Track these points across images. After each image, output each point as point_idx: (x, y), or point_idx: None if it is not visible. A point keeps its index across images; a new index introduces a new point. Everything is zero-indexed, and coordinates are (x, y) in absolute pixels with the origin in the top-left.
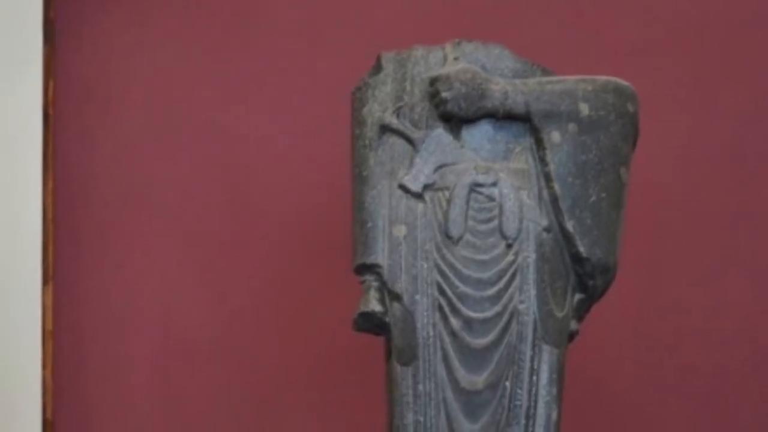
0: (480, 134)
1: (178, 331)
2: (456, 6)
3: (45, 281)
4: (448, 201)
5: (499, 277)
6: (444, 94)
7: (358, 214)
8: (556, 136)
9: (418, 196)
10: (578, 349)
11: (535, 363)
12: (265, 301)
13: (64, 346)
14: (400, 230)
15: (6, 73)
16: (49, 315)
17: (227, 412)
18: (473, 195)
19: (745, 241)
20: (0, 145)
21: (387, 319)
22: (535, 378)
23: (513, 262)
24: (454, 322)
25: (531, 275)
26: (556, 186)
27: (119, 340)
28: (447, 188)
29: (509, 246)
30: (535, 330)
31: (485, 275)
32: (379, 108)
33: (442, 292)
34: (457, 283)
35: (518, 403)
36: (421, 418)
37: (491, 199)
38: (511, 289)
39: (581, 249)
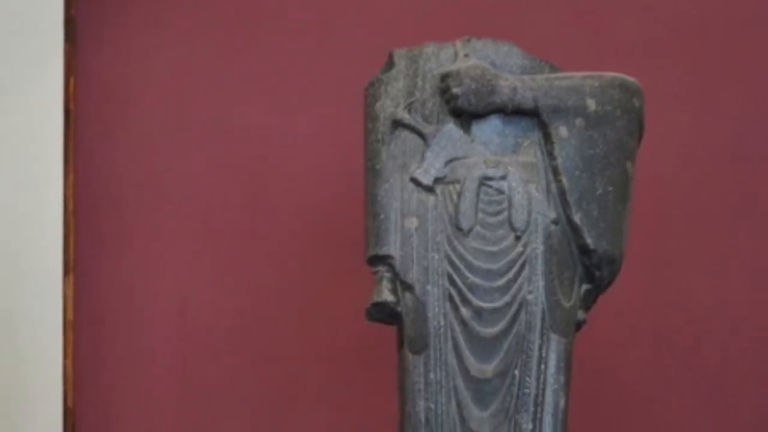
0: (489, 129)
1: (195, 321)
2: (466, 4)
3: (66, 273)
4: (459, 194)
5: (509, 268)
6: (454, 90)
7: (370, 207)
8: (563, 130)
9: (430, 189)
10: (585, 338)
11: (544, 352)
12: (279, 292)
13: (84, 336)
14: (412, 222)
15: (28, 72)
16: (69, 306)
17: (243, 400)
18: (483, 188)
19: (747, 234)
20: (23, 140)
21: (399, 309)
22: (543, 366)
23: (522, 253)
24: (465, 311)
25: (539, 266)
26: (564, 179)
27: (138, 330)
28: (457, 181)
29: (518, 238)
30: (543, 319)
31: (495, 266)
32: (391, 103)
33: (452, 282)
34: (467, 273)
35: (527, 390)
36: (432, 406)
37: (500, 192)
38: (520, 280)
39: (588, 241)
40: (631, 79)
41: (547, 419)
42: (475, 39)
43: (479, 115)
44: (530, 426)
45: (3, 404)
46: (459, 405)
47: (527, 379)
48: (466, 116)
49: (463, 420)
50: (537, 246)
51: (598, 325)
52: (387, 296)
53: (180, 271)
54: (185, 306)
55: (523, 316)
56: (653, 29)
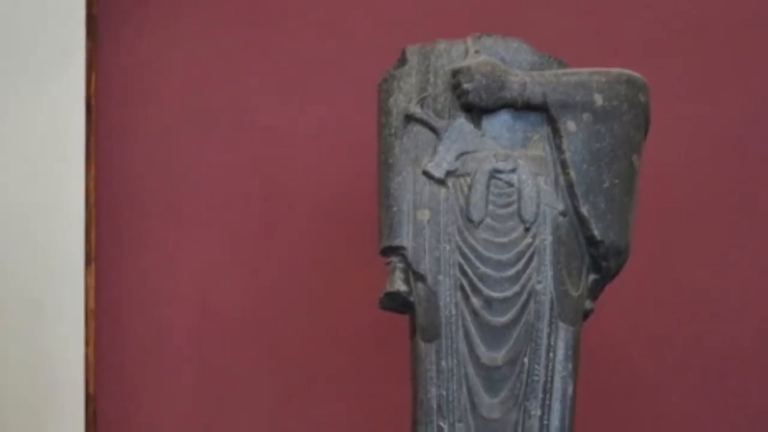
0: (499, 123)
1: (213, 309)
2: (477, 3)
3: (87, 262)
4: (470, 186)
5: (518, 259)
6: (466, 86)
7: (384, 199)
8: (571, 125)
9: (441, 182)
10: (592, 327)
11: (552, 340)
12: (295, 282)
13: (105, 324)
14: (424, 214)
15: (51, 68)
16: (91, 294)
17: (259, 386)
18: (493, 181)
19: (750, 226)
20: (46, 134)
21: (411, 299)
22: (551, 354)
23: (531, 244)
24: (475, 301)
25: (548, 257)
26: (572, 172)
27: (158, 318)
28: (468, 174)
29: (527, 229)
30: (551, 309)
31: (504, 257)
32: (404, 99)
33: (463, 272)
34: (478, 264)
35: (536, 378)
36: (444, 393)
37: (510, 184)
38: (529, 270)
39: (595, 232)
40: (637, 74)
41: (556, 405)
42: (485, 36)
43: (490, 110)
44: (539, 412)
45: (27, 390)
46: (470, 392)
47: (536, 366)
48: (476, 111)
49: (473, 406)
50: (546, 237)
51: (604, 314)
52: (400, 286)
53: (197, 261)
54: (203, 295)
55: (532, 305)
56: (658, 27)
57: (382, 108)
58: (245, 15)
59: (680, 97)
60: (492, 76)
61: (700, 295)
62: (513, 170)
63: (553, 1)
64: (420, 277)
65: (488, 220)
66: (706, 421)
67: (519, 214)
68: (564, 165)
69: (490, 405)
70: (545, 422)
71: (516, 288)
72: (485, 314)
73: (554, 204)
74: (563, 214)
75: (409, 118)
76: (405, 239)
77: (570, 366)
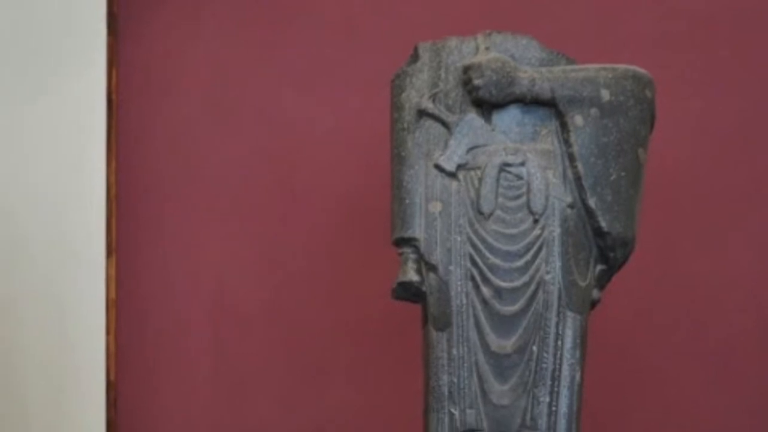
0: (509, 118)
1: (230, 298)
2: (487, 0)
3: (109, 254)
4: (480, 179)
5: (527, 250)
6: (476, 81)
7: (397, 192)
8: (579, 119)
9: (452, 175)
10: (599, 316)
11: (560, 329)
12: (311, 272)
13: (126, 314)
14: (436, 206)
15: (73, 63)
16: (112, 285)
17: (275, 373)
18: (503, 174)
19: (753, 215)
20: (68, 128)
21: (423, 288)
22: (560, 342)
23: (539, 235)
24: (486, 291)
25: (556, 248)
26: (580, 166)
27: (177, 307)
28: (479, 168)
29: (536, 221)
30: (560, 298)
31: (514, 248)
32: (416, 94)
33: (474, 263)
34: (488, 255)
35: (544, 365)
36: (455, 380)
37: (519, 177)
38: (537, 261)
39: (602, 224)
40: (643, 70)
41: (564, 392)
42: (495, 33)
43: (499, 105)
44: (547, 398)
45: (51, 377)
46: (480, 379)
47: (545, 354)
48: (487, 106)
49: (484, 393)
50: (554, 229)
51: (611, 304)
52: (412, 276)
53: (215, 252)
54: (220, 285)
55: (540, 295)
56: (664, 24)
57: (395, 103)
58: (262, 12)
59: (685, 93)
60: (502, 72)
61: (704, 284)
62: (522, 163)
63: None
64: (432, 268)
65: (498, 212)
66: (711, 406)
67: (528, 206)
68: (572, 158)
69: (500, 392)
70: (553, 408)
71: (525, 278)
72: (495, 303)
73: (562, 196)
74: (571, 206)
75: (421, 113)
76: (417, 230)
77: (577, 354)
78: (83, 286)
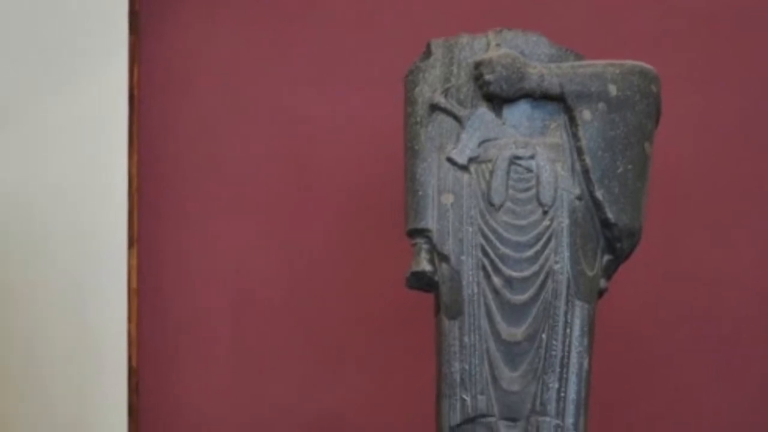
0: (519, 112)
1: (248, 287)
2: None
3: (130, 244)
4: (491, 172)
5: (537, 240)
6: (487, 77)
7: (410, 184)
8: (587, 114)
9: (464, 167)
10: (607, 305)
11: (569, 317)
12: (327, 262)
13: (147, 302)
14: (448, 198)
15: (97, 60)
16: (134, 274)
17: (292, 360)
18: (513, 167)
19: (756, 204)
20: (92, 124)
21: (436, 278)
22: (568, 330)
23: (549, 227)
24: (496, 280)
25: (565, 239)
26: (587, 159)
27: (196, 296)
28: (490, 161)
29: (545, 212)
30: (568, 287)
31: (524, 238)
32: (429, 89)
33: (485, 253)
34: (498, 245)
35: (553, 353)
36: (467, 367)
37: (529, 170)
38: (547, 251)
39: (610, 215)
40: (649, 66)
41: (572, 379)
42: (506, 30)
43: (510, 100)
44: (556, 385)
45: (74, 364)
46: (491, 366)
47: (554, 342)
48: (497, 101)
49: (495, 379)
50: (563, 220)
51: (618, 293)
52: (425, 266)
53: (234, 242)
54: (238, 274)
55: (550, 284)
56: (670, 21)
57: (409, 98)
58: (279, 10)
59: (690, 88)
60: (512, 68)
61: (709, 273)
62: (532, 157)
63: None
64: (444, 258)
65: (508, 204)
66: (715, 393)
67: (537, 198)
68: (580, 152)
69: (510, 378)
70: (562, 394)
71: (535, 268)
72: (506, 293)
73: (571, 188)
74: (579, 198)
75: (434, 108)
76: (430, 222)
77: (585, 341)
78: (106, 275)
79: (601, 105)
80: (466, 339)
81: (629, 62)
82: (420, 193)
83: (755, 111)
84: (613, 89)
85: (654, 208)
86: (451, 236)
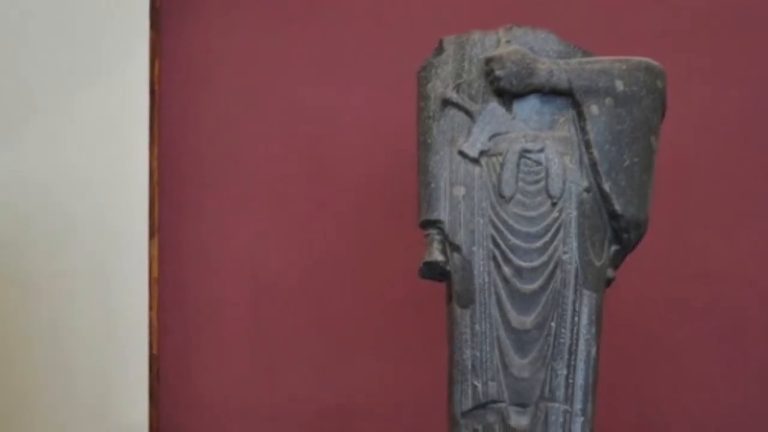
0: (529, 107)
1: (265, 276)
2: None
3: (151, 235)
4: (501, 165)
5: (546, 231)
6: (498, 73)
7: (423, 177)
8: (594, 108)
9: (475, 160)
10: (614, 294)
11: (577, 305)
12: (342, 253)
13: (167, 291)
14: (460, 190)
15: (118, 56)
16: (155, 264)
17: (308, 347)
18: (523, 160)
19: (759, 194)
20: (113, 117)
21: (448, 268)
22: (576, 319)
23: (557, 218)
24: (507, 270)
25: (573, 229)
26: (595, 152)
27: (215, 285)
28: (500, 154)
29: (554, 204)
30: (576, 277)
31: (533, 229)
32: (441, 85)
33: (496, 244)
34: (509, 236)
35: (562, 340)
36: (478, 354)
37: (538, 163)
38: (555, 242)
39: (617, 207)
40: (655, 62)
41: (580, 365)
42: (516, 27)
43: (519, 95)
44: (565, 372)
45: (97, 351)
46: (501, 353)
47: (562, 330)
48: (507, 96)
49: (505, 366)
50: (571, 211)
51: (625, 282)
52: (437, 256)
53: (251, 233)
54: (256, 264)
55: (558, 274)
56: (675, 18)
57: (421, 93)
58: (296, 7)
59: (695, 83)
60: (522, 64)
61: (713, 263)
62: (541, 150)
63: None
64: (456, 248)
65: (518, 196)
66: (720, 379)
67: (546, 190)
68: (588, 145)
69: (520, 365)
70: (570, 381)
71: (544, 258)
72: (516, 282)
73: (579, 181)
74: (587, 190)
75: (446, 103)
76: (442, 213)
77: (593, 329)
78: (127, 265)
79: (608, 100)
80: (477, 327)
81: (635, 58)
82: (432, 185)
83: (760, 106)
84: (619, 85)
85: (660, 200)
86: (463, 227)
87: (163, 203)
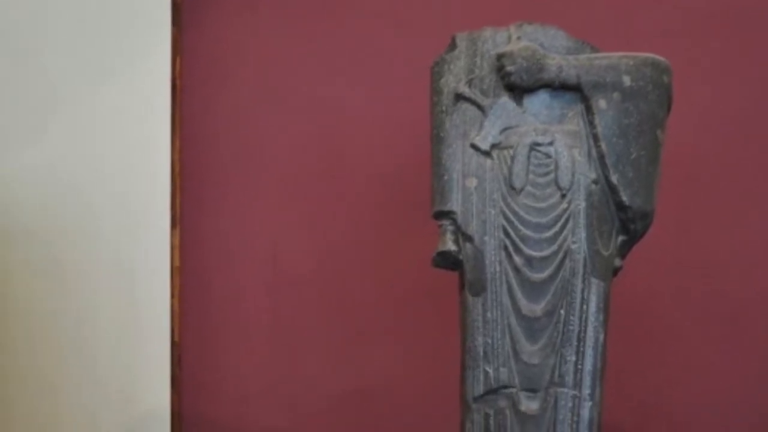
0: (539, 101)
1: (284, 266)
2: None
3: (173, 225)
4: (512, 158)
5: (555, 222)
6: (509, 68)
7: (436, 169)
8: (602, 103)
9: (487, 153)
10: (622, 282)
11: (585, 294)
12: (358, 243)
13: (188, 280)
14: (472, 182)
15: (140, 52)
16: (176, 253)
17: (325, 334)
18: (533, 153)
19: (762, 186)
20: (136, 111)
21: (460, 257)
22: (585, 306)
23: (566, 209)
24: (517, 259)
25: (581, 220)
26: (603, 145)
27: (235, 274)
28: (511, 147)
29: (563, 196)
30: (585, 266)
31: (543, 220)
32: (453, 80)
33: (507, 234)
34: (519, 226)
35: (571, 327)
36: (489, 341)
37: (548, 156)
38: (565, 232)
39: (624, 198)
40: (661, 58)
41: (589, 352)
42: (526, 24)
43: (530, 90)
44: (574, 358)
45: (120, 339)
46: (512, 340)
47: (571, 317)
48: (518, 91)
49: (515, 352)
50: (579, 203)
51: (632, 271)
52: (450, 246)
53: (271, 224)
54: (275, 253)
55: (567, 263)
56: (681, 15)
57: (435, 88)
58: (314, 4)
59: (700, 78)
60: (532, 60)
61: (717, 252)
62: (551, 143)
63: None
64: (468, 238)
65: (528, 188)
66: (725, 365)
67: (556, 182)
68: (596, 138)
69: (531, 351)
70: (579, 367)
71: (553, 248)
72: (526, 271)
73: (587, 173)
74: (595, 182)
75: (458, 97)
76: (455, 204)
77: (601, 317)
78: (150, 254)
79: (615, 94)
80: (488, 314)
81: (642, 54)
82: (445, 177)
83: (761, 102)
84: (627, 80)
85: (665, 193)
86: (475, 218)
87: (185, 195)
